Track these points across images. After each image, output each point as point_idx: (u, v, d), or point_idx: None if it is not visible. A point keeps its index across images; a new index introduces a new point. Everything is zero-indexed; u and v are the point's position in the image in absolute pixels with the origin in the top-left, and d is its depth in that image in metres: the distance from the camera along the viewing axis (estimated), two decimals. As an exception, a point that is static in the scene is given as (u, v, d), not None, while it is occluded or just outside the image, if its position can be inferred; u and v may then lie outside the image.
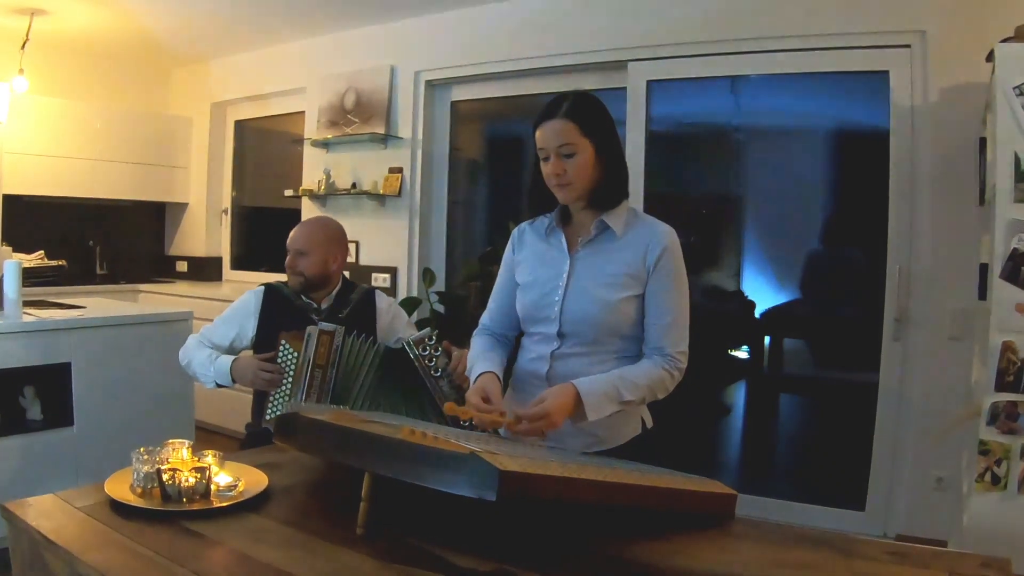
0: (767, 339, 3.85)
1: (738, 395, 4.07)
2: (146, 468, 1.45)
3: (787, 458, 3.98)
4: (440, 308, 4.18)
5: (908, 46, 3.17)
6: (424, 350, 2.21)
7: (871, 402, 3.27)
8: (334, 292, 2.58)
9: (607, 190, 1.78)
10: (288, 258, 2.54)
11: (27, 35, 4.59)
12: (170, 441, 1.52)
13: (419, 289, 4.38)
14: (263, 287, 2.59)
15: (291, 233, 2.58)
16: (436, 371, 2.21)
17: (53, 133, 5.02)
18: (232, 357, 2.43)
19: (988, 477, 2.25)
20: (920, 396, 3.14)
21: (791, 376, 3.88)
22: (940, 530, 2.93)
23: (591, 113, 1.75)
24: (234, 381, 2.39)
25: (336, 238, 2.61)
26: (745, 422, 4.09)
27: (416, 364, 2.23)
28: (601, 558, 1.27)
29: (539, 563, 1.22)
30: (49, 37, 4.91)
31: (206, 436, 4.36)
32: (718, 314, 3.88)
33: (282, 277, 2.62)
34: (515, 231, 1.96)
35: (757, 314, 3.76)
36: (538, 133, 1.75)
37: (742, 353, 3.98)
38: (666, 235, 1.78)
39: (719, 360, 3.91)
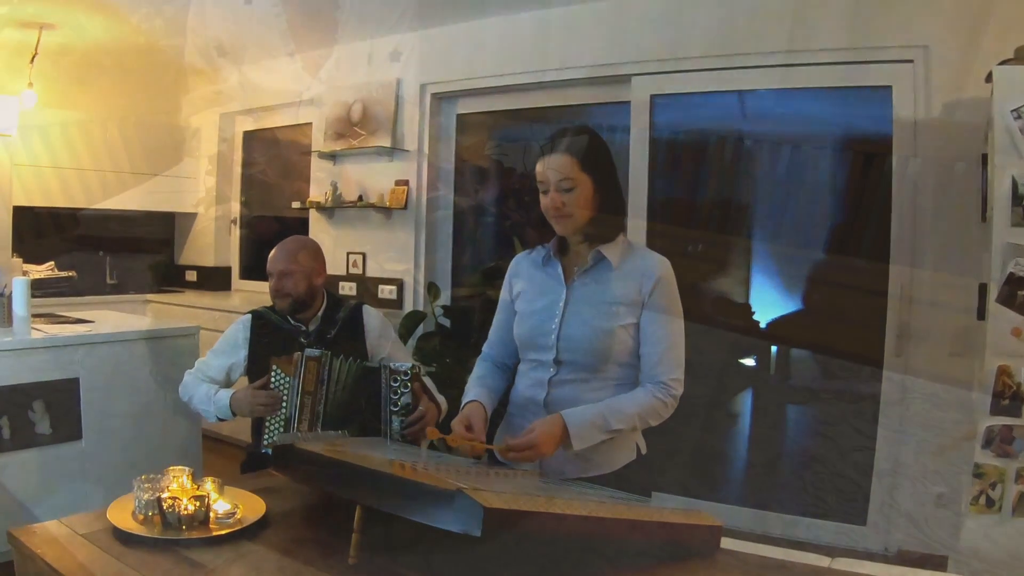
0: (773, 349, 3.85)
1: (743, 406, 4.07)
2: (147, 496, 1.49)
3: (788, 472, 3.98)
4: (445, 322, 4.21)
5: (911, 61, 3.17)
6: (395, 381, 2.21)
7: (872, 416, 3.27)
8: (320, 312, 2.55)
9: (604, 224, 1.80)
10: (273, 282, 2.51)
11: (36, 49, 4.64)
12: (171, 468, 1.56)
13: (425, 303, 4.41)
14: (249, 315, 2.58)
15: (271, 257, 2.55)
16: (395, 406, 2.20)
17: (62, 145, 5.08)
18: (229, 392, 2.43)
19: (983, 500, 2.26)
20: (921, 412, 3.14)
21: (794, 388, 3.88)
22: (941, 546, 2.93)
23: (590, 149, 1.77)
24: (234, 414, 2.41)
25: (315, 254, 2.59)
26: (748, 434, 4.08)
27: (382, 388, 2.24)
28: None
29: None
30: (58, 50, 4.95)
31: (213, 446, 4.40)
32: (722, 325, 3.88)
33: None
34: (512, 263, 2.00)
35: (759, 326, 3.76)
36: (538, 167, 1.78)
37: (748, 360, 3.97)
38: (660, 266, 1.81)
39: (723, 371, 3.91)
